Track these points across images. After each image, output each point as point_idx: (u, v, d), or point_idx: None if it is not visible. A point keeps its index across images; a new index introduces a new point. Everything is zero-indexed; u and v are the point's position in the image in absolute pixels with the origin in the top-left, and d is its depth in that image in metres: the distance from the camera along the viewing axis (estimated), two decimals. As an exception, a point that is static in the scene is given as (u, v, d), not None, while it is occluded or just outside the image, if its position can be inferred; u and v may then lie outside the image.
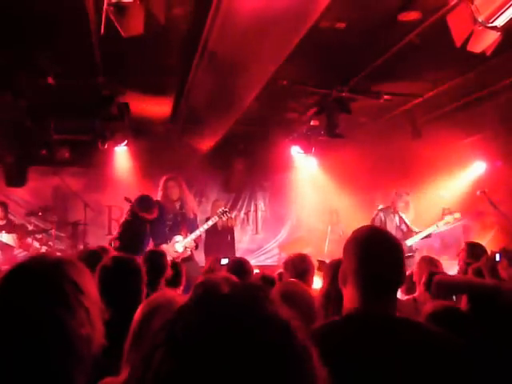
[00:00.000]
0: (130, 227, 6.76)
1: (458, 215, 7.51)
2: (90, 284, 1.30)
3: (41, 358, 1.13)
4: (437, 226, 7.40)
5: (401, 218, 7.63)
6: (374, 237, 1.89)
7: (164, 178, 7.31)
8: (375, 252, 1.82)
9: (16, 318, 1.15)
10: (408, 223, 7.61)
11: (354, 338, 1.69)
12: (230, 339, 0.71)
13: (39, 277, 1.21)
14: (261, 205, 11.74)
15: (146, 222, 6.83)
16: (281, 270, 4.92)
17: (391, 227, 7.47)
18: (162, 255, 4.20)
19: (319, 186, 10.77)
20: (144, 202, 6.77)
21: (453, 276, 3.71)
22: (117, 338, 1.30)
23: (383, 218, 7.58)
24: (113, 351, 1.25)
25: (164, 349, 0.73)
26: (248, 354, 0.70)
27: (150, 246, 7.08)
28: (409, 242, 7.28)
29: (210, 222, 7.34)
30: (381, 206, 7.90)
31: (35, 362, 1.12)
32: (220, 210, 7.52)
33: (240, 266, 4.09)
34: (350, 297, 1.83)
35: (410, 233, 7.45)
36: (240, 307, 0.76)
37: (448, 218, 7.40)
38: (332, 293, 2.40)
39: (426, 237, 7.48)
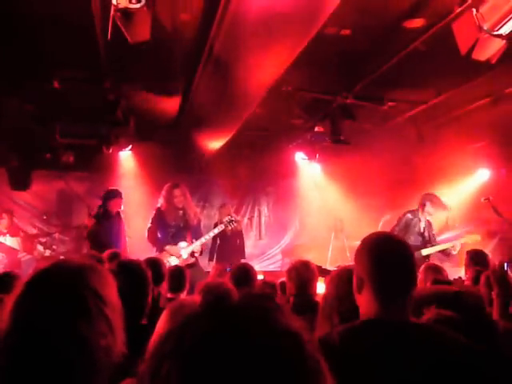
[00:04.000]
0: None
1: (478, 238, 7.45)
2: (111, 290, 1.30)
3: (60, 370, 1.13)
4: (453, 246, 7.33)
5: (429, 224, 7.52)
6: (387, 244, 1.90)
7: (168, 184, 7.27)
8: (389, 259, 1.84)
9: (35, 331, 1.15)
10: (433, 232, 7.52)
11: (374, 343, 1.72)
12: (240, 352, 0.69)
13: (60, 287, 1.21)
14: (264, 210, 11.74)
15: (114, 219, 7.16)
16: (284, 279, 4.91)
17: (414, 232, 7.36)
18: (161, 263, 4.22)
19: (323, 193, 10.77)
20: (109, 191, 7.33)
21: (422, 288, 3.68)
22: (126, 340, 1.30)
23: (408, 221, 7.46)
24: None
25: (172, 360, 0.71)
26: (258, 367, 0.68)
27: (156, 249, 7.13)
28: (424, 252, 7.18)
29: (216, 230, 7.35)
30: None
31: (54, 373, 1.13)
32: (227, 218, 7.53)
33: (244, 273, 4.08)
34: (366, 304, 1.85)
35: (430, 242, 7.36)
36: (250, 319, 0.74)
37: (467, 239, 7.36)
38: (335, 301, 2.39)
39: (443, 252, 7.36)
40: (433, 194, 7.60)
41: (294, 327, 0.75)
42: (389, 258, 1.84)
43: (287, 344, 0.72)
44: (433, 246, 7.29)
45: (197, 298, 1.90)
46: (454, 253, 7.33)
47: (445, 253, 7.36)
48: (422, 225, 7.42)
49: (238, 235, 9.19)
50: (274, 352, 0.70)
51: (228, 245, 8.77)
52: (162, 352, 0.74)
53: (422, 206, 7.43)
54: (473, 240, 7.38)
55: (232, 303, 0.79)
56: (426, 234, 7.39)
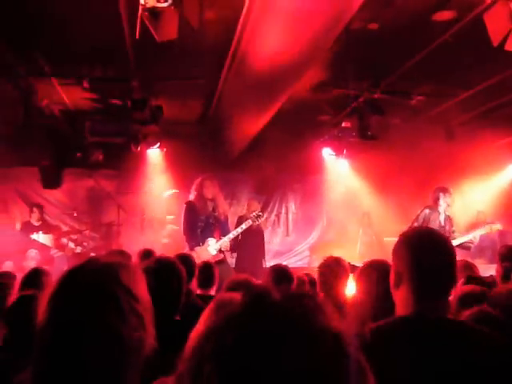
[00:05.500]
0: None
1: (499, 226, 7.29)
2: (142, 288, 1.32)
3: (92, 363, 1.15)
4: (474, 237, 7.17)
5: (448, 218, 7.36)
6: (429, 239, 1.87)
7: (200, 178, 7.32)
8: (430, 255, 1.80)
9: (69, 325, 1.18)
10: (453, 226, 7.37)
11: (407, 340, 1.70)
12: (281, 353, 0.68)
13: (92, 283, 1.23)
14: (292, 207, 11.71)
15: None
16: (307, 272, 4.92)
17: (434, 226, 7.23)
18: (192, 260, 4.27)
19: (350, 188, 10.68)
20: None
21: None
22: (159, 336, 1.32)
23: (427, 216, 7.33)
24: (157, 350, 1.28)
25: (214, 362, 0.70)
26: (301, 368, 0.67)
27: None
28: None
29: (244, 226, 7.32)
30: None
31: (85, 367, 1.15)
32: (254, 213, 7.50)
33: (284, 271, 4.09)
34: (403, 299, 1.82)
35: (450, 236, 7.21)
36: (292, 319, 0.73)
37: (487, 228, 7.20)
38: (366, 305, 2.36)
39: (463, 246, 7.18)
40: (443, 186, 7.46)
41: (336, 327, 0.74)
42: (430, 254, 1.80)
43: (330, 344, 0.71)
44: (453, 239, 7.15)
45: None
46: (473, 245, 7.18)
47: (464, 246, 7.19)
48: (442, 218, 7.30)
49: (260, 232, 9.14)
50: (317, 353, 0.69)
51: (248, 241, 8.69)
52: (202, 352, 0.72)
53: (436, 199, 7.32)
54: (493, 229, 7.22)
55: (273, 302, 0.77)
56: (447, 228, 7.24)
